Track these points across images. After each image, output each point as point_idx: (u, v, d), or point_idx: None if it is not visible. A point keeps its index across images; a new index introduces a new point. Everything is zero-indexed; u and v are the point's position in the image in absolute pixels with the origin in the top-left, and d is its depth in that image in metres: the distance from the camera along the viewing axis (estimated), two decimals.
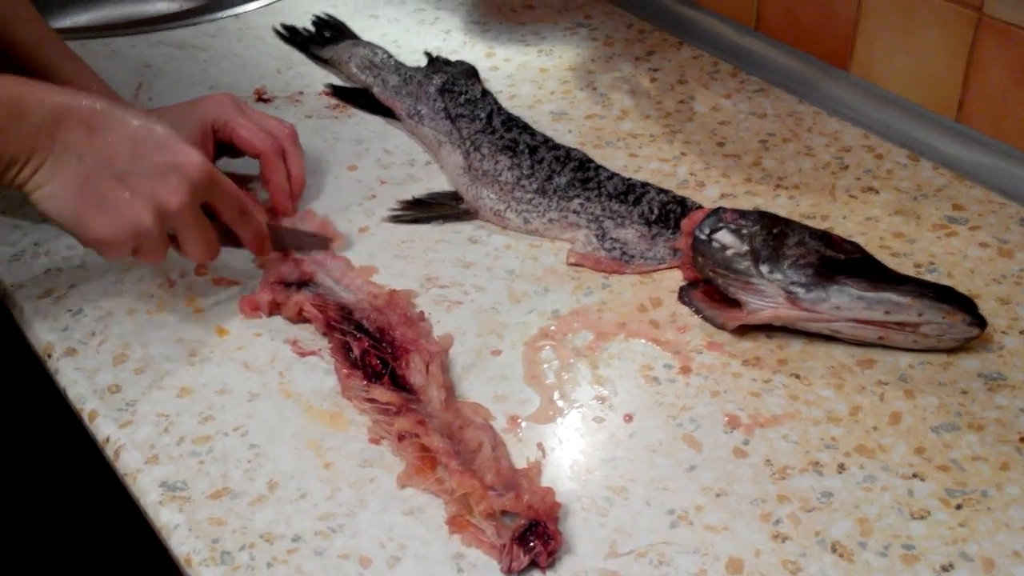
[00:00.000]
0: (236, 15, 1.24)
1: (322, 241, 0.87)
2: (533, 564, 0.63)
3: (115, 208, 0.72)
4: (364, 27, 1.20)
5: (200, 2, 1.32)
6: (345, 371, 0.75)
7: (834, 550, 0.64)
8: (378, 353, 0.75)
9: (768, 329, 0.80)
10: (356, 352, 0.76)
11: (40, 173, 0.71)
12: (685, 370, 0.77)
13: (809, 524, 0.66)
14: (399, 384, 0.74)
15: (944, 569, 0.63)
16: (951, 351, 0.78)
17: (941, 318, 0.76)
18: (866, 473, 0.69)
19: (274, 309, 0.82)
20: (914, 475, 0.69)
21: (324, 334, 0.79)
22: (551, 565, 0.63)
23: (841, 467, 0.70)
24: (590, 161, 0.94)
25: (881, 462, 0.70)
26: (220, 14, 1.24)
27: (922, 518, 0.66)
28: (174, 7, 1.39)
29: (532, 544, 0.63)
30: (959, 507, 0.67)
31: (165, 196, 0.72)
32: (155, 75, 1.11)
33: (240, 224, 0.79)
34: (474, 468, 0.67)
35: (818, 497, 0.68)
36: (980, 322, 0.76)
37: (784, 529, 0.66)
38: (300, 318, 0.81)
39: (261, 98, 1.08)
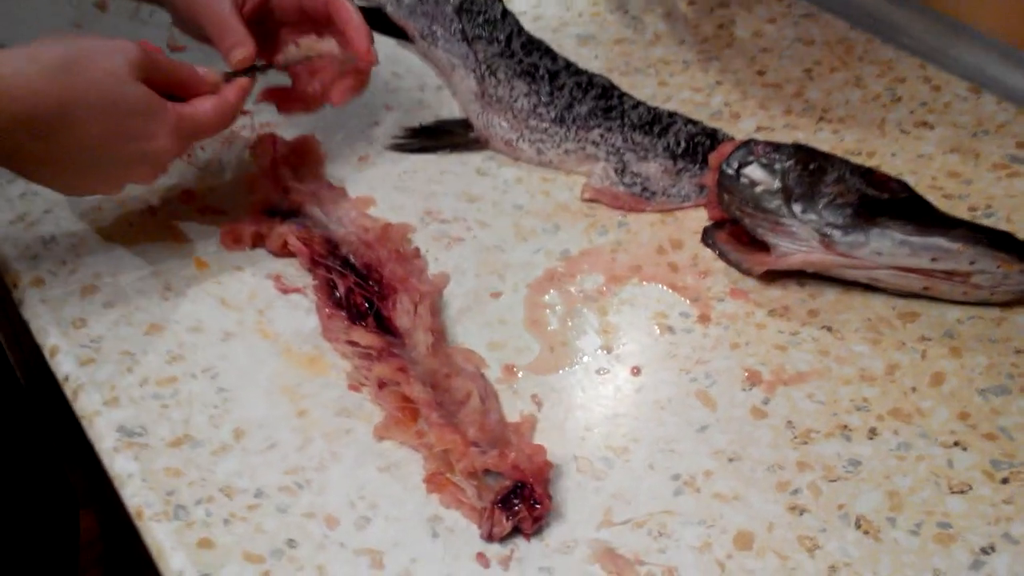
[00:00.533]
0: None
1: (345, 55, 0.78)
2: (516, 531, 0.56)
3: (94, 187, 0.69)
4: None
5: None
6: (328, 311, 0.69)
7: (858, 526, 0.57)
8: (364, 292, 0.69)
9: (799, 276, 0.72)
10: (341, 290, 0.69)
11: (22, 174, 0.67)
12: (703, 319, 0.70)
13: (832, 496, 0.59)
14: (384, 326, 0.67)
15: (984, 552, 0.55)
16: (1005, 305, 0.69)
17: (996, 267, 0.67)
18: (901, 440, 0.61)
19: (257, 241, 0.75)
20: (955, 444, 0.61)
21: (308, 270, 0.72)
22: (536, 533, 0.57)
23: (872, 432, 0.62)
24: (614, 88, 0.85)
25: (919, 428, 0.62)
26: None
27: (962, 492, 0.58)
28: None
29: (516, 508, 0.56)
30: (1005, 481, 0.59)
31: (141, 179, 0.69)
32: None
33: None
34: (457, 421, 0.60)
35: (844, 466, 0.60)
36: None
37: (803, 500, 0.58)
38: (285, 251, 0.74)
39: None
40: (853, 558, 0.55)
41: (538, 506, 0.56)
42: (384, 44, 0.97)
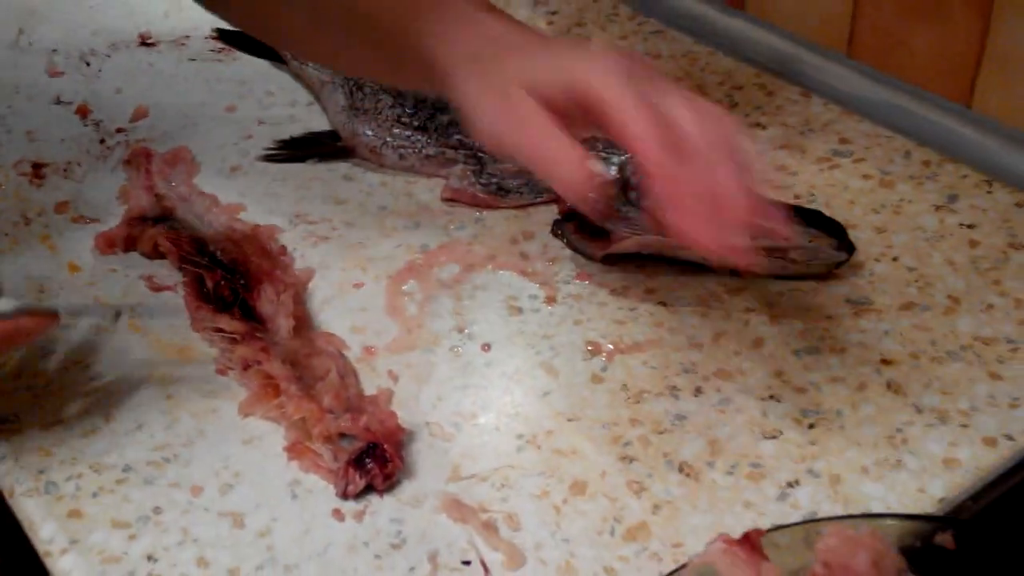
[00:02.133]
0: None
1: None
2: (370, 488, 0.61)
3: None
4: None
5: None
6: (196, 303, 0.73)
7: (681, 470, 0.63)
8: (230, 284, 0.73)
9: (639, 260, 0.78)
10: (209, 285, 0.73)
11: None
12: (550, 300, 0.75)
13: (659, 446, 0.64)
14: (250, 315, 0.71)
15: (789, 485, 0.61)
16: (822, 278, 0.76)
17: (808, 242, 0.74)
18: (722, 396, 0.67)
19: (130, 244, 0.79)
20: (770, 396, 0.67)
21: (178, 268, 0.76)
22: (389, 489, 0.61)
23: (698, 391, 0.68)
24: None
25: (739, 385, 0.68)
26: None
27: (773, 437, 0.64)
28: None
29: (369, 467, 0.60)
30: (811, 426, 0.65)
31: None
32: (39, 20, 1.08)
33: None
34: (315, 393, 0.65)
35: (671, 420, 0.66)
36: (848, 247, 0.75)
37: (632, 451, 0.64)
38: (155, 253, 0.78)
39: (144, 42, 1.05)
40: (675, 496, 0.61)
41: (388, 463, 0.61)
42: (259, 65, 1.03)
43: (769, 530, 0.50)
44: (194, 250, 0.76)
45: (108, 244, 0.79)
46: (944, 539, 0.50)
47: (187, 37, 1.06)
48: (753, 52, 1.02)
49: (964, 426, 0.65)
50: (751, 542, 0.48)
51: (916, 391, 0.67)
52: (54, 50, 1.03)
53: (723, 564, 0.47)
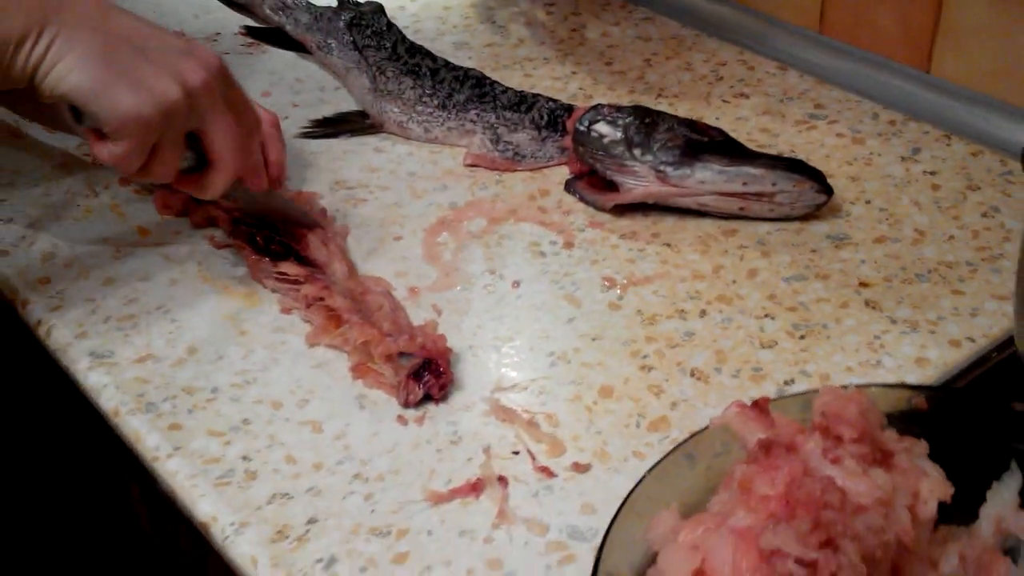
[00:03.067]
0: None
1: (297, 209, 0.86)
2: (427, 397, 0.71)
3: (139, 78, 0.68)
4: None
5: None
6: (254, 257, 0.82)
7: (693, 375, 0.73)
8: (280, 239, 0.82)
9: (644, 208, 0.88)
10: (260, 241, 0.83)
11: (55, 47, 0.67)
12: (568, 245, 0.86)
13: (672, 357, 0.75)
14: (304, 263, 0.81)
15: (786, 383, 0.72)
16: (804, 218, 0.87)
17: (792, 186, 0.85)
18: (724, 316, 0.78)
19: (184, 210, 0.88)
20: (766, 315, 0.78)
21: (229, 233, 0.85)
22: (443, 398, 0.71)
23: (703, 313, 0.78)
24: (487, 78, 1.02)
25: (738, 307, 0.79)
26: None
27: (770, 347, 0.75)
28: None
29: (426, 379, 0.70)
30: (802, 337, 0.76)
31: (189, 72, 0.70)
32: None
33: (248, 138, 0.76)
34: (374, 321, 0.74)
35: (681, 336, 0.76)
36: (827, 189, 0.85)
37: (650, 362, 0.74)
38: (205, 224, 0.87)
39: None
40: (689, 396, 0.71)
41: (443, 375, 0.71)
42: (287, 56, 1.13)
43: (774, 399, 0.60)
44: (243, 215, 0.85)
45: (166, 205, 0.88)
46: (918, 401, 0.61)
47: (218, 34, 1.16)
48: (735, 33, 1.13)
49: (932, 332, 0.76)
50: (760, 406, 0.58)
51: (890, 307, 0.78)
52: None
53: (738, 423, 0.58)
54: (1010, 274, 0.80)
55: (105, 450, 0.95)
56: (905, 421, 0.60)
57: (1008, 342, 0.74)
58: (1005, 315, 0.76)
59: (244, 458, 0.68)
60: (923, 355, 0.74)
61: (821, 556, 0.47)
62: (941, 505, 0.55)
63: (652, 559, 0.54)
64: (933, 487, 0.54)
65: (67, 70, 0.68)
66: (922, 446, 0.57)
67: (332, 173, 0.94)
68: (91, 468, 1.02)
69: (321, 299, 0.77)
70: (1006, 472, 0.58)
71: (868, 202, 0.89)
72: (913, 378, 0.72)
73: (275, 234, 0.83)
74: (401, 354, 0.72)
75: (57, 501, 1.09)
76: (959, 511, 0.56)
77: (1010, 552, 0.56)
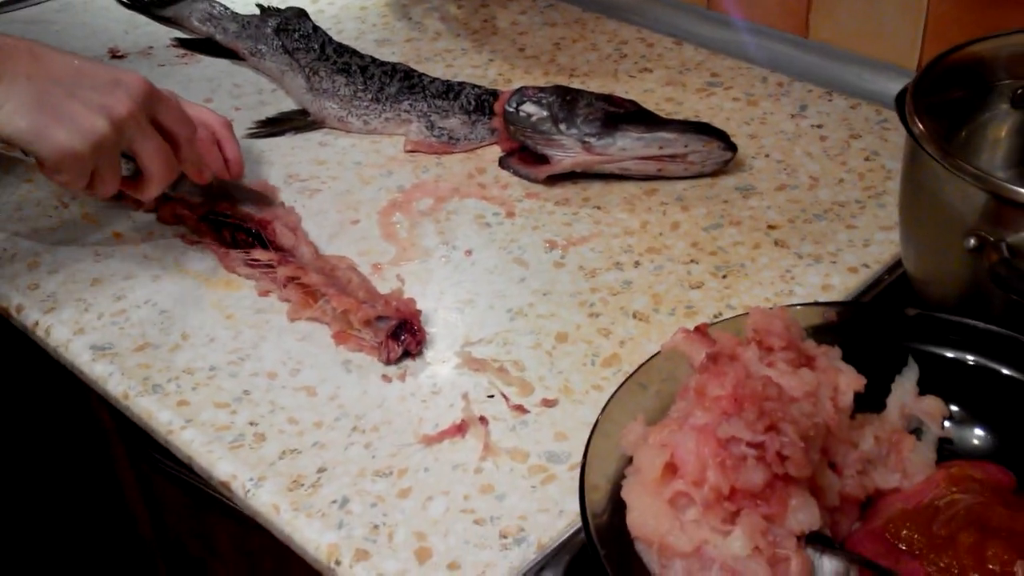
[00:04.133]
0: None
1: (262, 197, 0.95)
2: (406, 353, 0.80)
3: (71, 117, 0.77)
4: None
5: None
6: (223, 251, 0.90)
7: (635, 316, 0.84)
8: (245, 230, 0.90)
9: (573, 177, 0.99)
10: (227, 235, 0.91)
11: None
12: (510, 215, 0.95)
13: (615, 303, 0.85)
14: (272, 248, 0.89)
15: (716, 316, 0.83)
16: (714, 175, 0.98)
17: (702, 146, 0.96)
18: (655, 265, 0.89)
19: (155, 205, 0.95)
20: (691, 261, 0.89)
21: (193, 229, 0.93)
22: (420, 353, 0.81)
23: (636, 263, 0.89)
24: (414, 71, 1.11)
25: (666, 256, 0.90)
26: None
27: (698, 287, 0.86)
28: None
29: (403, 338, 0.80)
30: (724, 276, 0.87)
31: (116, 105, 0.78)
32: None
33: (186, 143, 0.85)
34: (348, 292, 0.83)
35: (620, 285, 0.87)
36: (732, 147, 0.97)
37: (597, 309, 0.85)
38: (173, 220, 0.95)
39: (115, 55, 1.21)
40: (634, 334, 0.82)
41: (418, 332, 0.80)
42: (221, 64, 1.20)
43: (711, 324, 0.71)
44: (206, 213, 0.93)
45: (136, 203, 0.95)
46: (830, 315, 0.73)
47: (151, 47, 1.23)
48: (632, 13, 1.24)
49: (833, 263, 0.88)
50: (701, 330, 0.69)
51: (796, 244, 0.90)
52: None
53: (684, 345, 0.68)
54: (893, 208, 0.92)
55: (99, 457, 1.02)
56: (820, 332, 0.72)
57: (897, 265, 0.86)
58: (892, 243, 0.89)
59: (251, 423, 0.76)
60: (827, 282, 0.86)
61: (767, 438, 0.58)
62: (856, 396, 0.66)
63: (625, 466, 0.65)
64: (849, 381, 0.66)
65: (7, 117, 0.77)
66: (836, 351, 0.69)
67: (284, 168, 1.02)
68: (86, 474, 1.08)
69: (296, 278, 0.85)
70: (905, 367, 0.70)
71: (767, 156, 1.00)
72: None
73: (240, 225, 0.91)
74: (379, 318, 0.81)
75: (53, 510, 1.15)
76: (870, 401, 0.68)
77: (914, 431, 0.69)
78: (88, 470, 1.07)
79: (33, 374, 0.98)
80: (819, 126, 1.04)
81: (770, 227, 0.92)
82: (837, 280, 0.86)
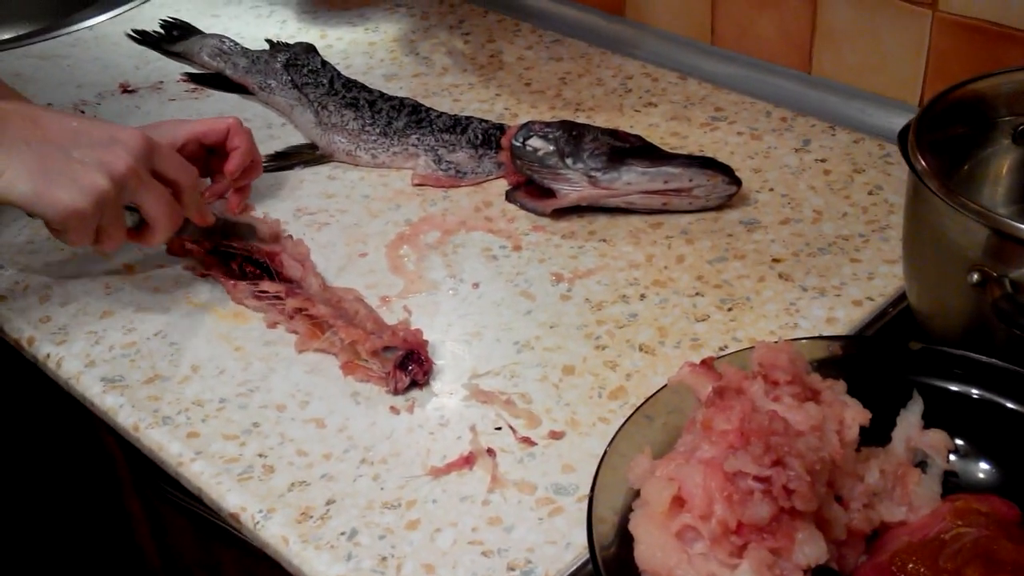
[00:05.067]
0: (89, 27, 1.38)
1: (266, 232, 0.95)
2: (413, 383, 0.81)
3: (71, 178, 0.79)
4: (207, 26, 1.36)
5: (47, 23, 1.44)
6: (231, 283, 0.91)
7: (641, 349, 0.84)
8: (253, 262, 0.91)
9: (579, 210, 1.00)
10: (235, 267, 0.92)
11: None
12: (517, 248, 0.96)
13: (621, 336, 0.86)
14: (280, 279, 0.90)
15: (721, 349, 0.84)
16: (719, 208, 0.99)
17: (706, 180, 0.97)
18: (661, 298, 0.90)
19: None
20: (696, 294, 0.90)
21: (201, 261, 0.94)
22: (427, 383, 0.81)
23: (642, 296, 0.90)
24: (421, 105, 1.12)
25: (672, 289, 0.90)
26: (74, 27, 1.37)
27: (703, 320, 0.87)
28: (21, 32, 1.51)
29: (410, 368, 0.80)
30: (730, 309, 0.88)
31: (114, 161, 0.80)
32: (26, 81, 1.24)
33: (187, 189, 0.87)
34: (356, 323, 0.84)
35: (627, 318, 0.88)
36: (736, 181, 0.98)
37: (603, 342, 0.85)
38: (183, 252, 0.96)
39: (126, 90, 1.22)
40: (640, 367, 0.83)
41: (425, 363, 0.81)
42: (231, 99, 1.21)
43: (717, 357, 0.72)
44: (214, 246, 0.94)
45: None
46: (835, 349, 0.73)
47: (161, 82, 1.24)
48: (637, 48, 1.26)
49: (838, 296, 0.89)
50: (707, 364, 0.70)
51: (800, 277, 0.91)
52: (49, 104, 1.20)
53: (691, 379, 0.69)
54: (896, 242, 0.93)
55: (108, 488, 1.03)
56: (825, 366, 0.72)
57: (901, 298, 0.87)
58: (896, 276, 0.89)
59: (260, 455, 0.77)
60: (832, 315, 0.87)
61: (774, 472, 0.59)
62: (861, 430, 0.67)
63: (632, 499, 0.65)
64: (854, 415, 0.66)
65: (9, 183, 0.79)
66: (842, 384, 0.69)
67: (293, 201, 1.04)
68: (95, 505, 1.09)
69: (304, 310, 0.86)
70: (910, 400, 0.71)
71: (771, 190, 1.01)
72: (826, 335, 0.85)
73: (247, 258, 0.92)
74: (386, 348, 0.82)
75: (62, 540, 1.15)
76: (875, 435, 0.69)
77: (919, 464, 0.69)
78: (97, 500, 1.08)
79: (43, 405, 0.99)
80: (823, 160, 1.05)
81: (775, 260, 0.93)
82: (842, 313, 0.87)
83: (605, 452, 0.69)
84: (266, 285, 0.89)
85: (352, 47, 1.31)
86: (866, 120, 1.10)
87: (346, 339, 0.83)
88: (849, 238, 0.95)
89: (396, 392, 0.81)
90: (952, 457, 0.69)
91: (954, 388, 0.71)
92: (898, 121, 1.06)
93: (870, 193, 1.00)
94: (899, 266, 0.89)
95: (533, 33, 1.32)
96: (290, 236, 0.97)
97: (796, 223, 0.97)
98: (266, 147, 1.11)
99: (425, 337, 0.83)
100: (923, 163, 0.74)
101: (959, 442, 0.69)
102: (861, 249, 0.93)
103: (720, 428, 0.61)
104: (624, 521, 0.65)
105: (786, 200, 1.00)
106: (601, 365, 0.83)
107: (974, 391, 0.70)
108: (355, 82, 1.16)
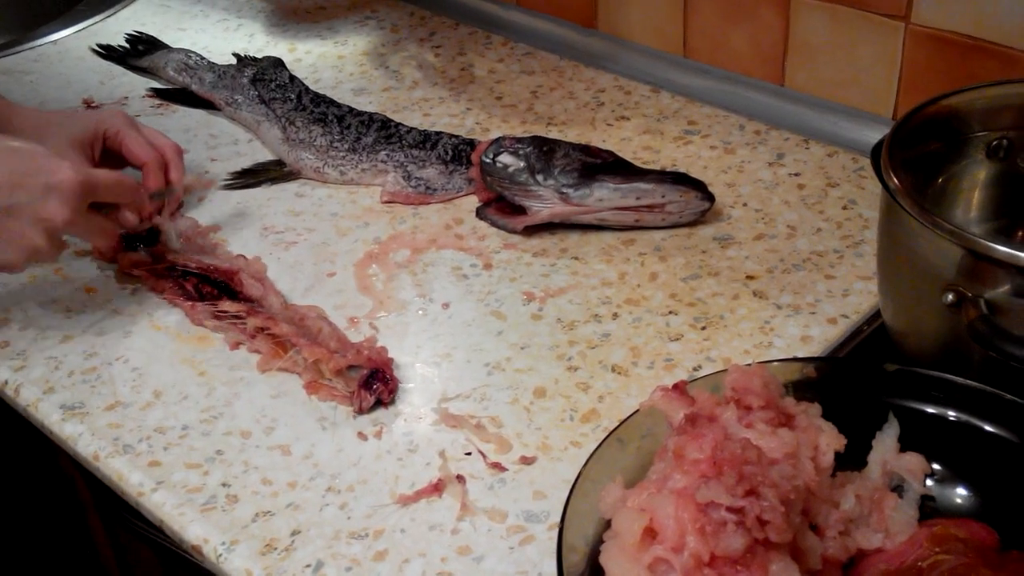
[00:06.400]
0: (53, 42, 1.35)
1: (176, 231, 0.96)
2: (379, 403, 0.79)
3: (7, 238, 0.80)
4: (174, 39, 1.33)
5: (10, 38, 1.42)
6: (189, 304, 0.89)
7: (614, 370, 0.83)
8: (209, 282, 0.89)
9: (551, 227, 0.98)
10: (190, 288, 0.90)
11: None
12: (487, 266, 0.95)
13: (594, 356, 0.84)
14: (240, 299, 0.88)
15: (695, 369, 0.82)
16: (692, 224, 0.98)
17: (679, 196, 0.96)
18: (634, 316, 0.88)
19: (114, 256, 0.94)
20: (670, 312, 0.88)
21: (151, 288, 0.92)
22: (392, 402, 0.80)
23: (615, 315, 0.88)
24: (391, 121, 1.10)
25: (645, 307, 0.89)
26: (37, 42, 1.35)
27: (677, 339, 0.86)
28: None
29: (375, 387, 0.79)
30: (703, 328, 0.86)
31: (50, 216, 0.80)
32: None
33: (128, 205, 0.89)
34: (319, 341, 0.82)
35: (599, 337, 0.86)
36: (709, 197, 0.97)
37: (575, 363, 0.84)
38: (131, 271, 0.93)
39: (90, 106, 1.20)
40: (613, 389, 0.81)
41: (390, 381, 0.79)
42: (197, 114, 1.19)
43: (689, 381, 0.70)
44: (165, 269, 0.92)
45: (98, 252, 0.95)
46: (809, 371, 0.72)
47: (126, 98, 1.22)
48: (609, 61, 1.25)
49: (812, 313, 0.87)
50: (679, 388, 0.68)
51: (775, 294, 0.89)
52: None
53: (663, 404, 0.68)
54: (871, 257, 0.92)
55: (73, 517, 1.00)
56: (800, 389, 0.71)
57: (876, 315, 0.86)
58: (871, 293, 0.88)
59: (224, 484, 0.75)
60: (807, 333, 0.85)
61: (747, 503, 0.57)
62: (836, 454, 0.66)
63: (604, 528, 0.64)
64: (829, 440, 0.65)
65: None
66: (816, 408, 0.68)
67: (260, 219, 1.02)
68: (59, 534, 1.06)
69: (266, 329, 0.84)
70: (886, 423, 0.70)
71: (745, 204, 1.00)
72: (801, 354, 0.84)
73: (204, 278, 0.90)
74: (350, 367, 0.80)
75: (25, 569, 1.12)
76: (851, 459, 0.67)
77: (896, 489, 0.68)
78: (61, 530, 1.05)
79: (3, 432, 0.96)
80: (796, 174, 1.04)
81: (749, 277, 0.91)
82: (817, 331, 0.86)
83: (576, 480, 0.67)
84: (226, 305, 0.87)
85: (321, 61, 1.29)
86: (840, 133, 1.09)
87: (309, 358, 0.81)
88: (823, 254, 0.94)
89: (361, 411, 0.79)
90: (929, 481, 0.68)
91: (931, 410, 0.70)
92: (871, 134, 1.05)
93: (844, 208, 0.99)
94: (874, 283, 0.88)
95: (504, 46, 1.30)
96: (243, 256, 0.95)
97: (770, 239, 0.96)
98: (232, 164, 1.10)
99: (392, 356, 0.82)
100: (896, 181, 0.73)
101: (936, 466, 0.68)
102: (836, 265, 0.92)
103: (692, 457, 0.60)
104: (595, 551, 0.63)
105: (760, 215, 0.99)
106: (573, 387, 0.82)
107: (951, 413, 0.69)
108: (324, 97, 1.15)
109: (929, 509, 0.67)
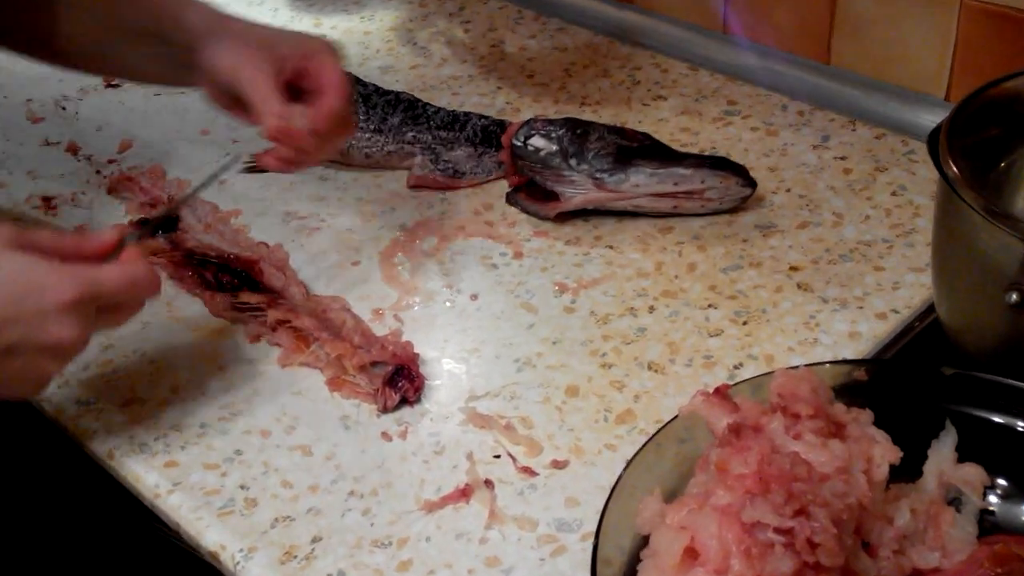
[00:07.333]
0: None
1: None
2: (403, 401, 0.76)
3: (15, 377, 0.68)
4: None
5: None
6: (208, 295, 0.86)
7: (650, 368, 0.79)
8: (229, 271, 0.86)
9: (584, 214, 0.94)
10: (209, 277, 0.86)
11: None
12: (518, 255, 0.91)
13: (629, 353, 0.80)
14: (260, 290, 0.85)
15: (735, 367, 0.78)
16: (732, 211, 0.93)
17: (719, 182, 0.91)
18: (671, 310, 0.84)
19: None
20: (709, 305, 0.84)
21: (171, 276, 0.89)
22: (418, 400, 0.76)
23: (651, 308, 0.84)
24: (418, 100, 1.06)
25: (683, 300, 0.85)
26: None
27: (717, 335, 0.81)
28: None
29: (400, 384, 0.75)
30: (745, 323, 0.82)
31: (54, 342, 0.67)
32: (7, 76, 1.18)
33: (136, 306, 0.74)
34: (342, 335, 0.79)
35: (635, 332, 0.82)
36: (751, 182, 0.92)
37: (609, 359, 0.80)
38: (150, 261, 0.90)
39: (109, 84, 1.17)
40: (649, 388, 0.77)
41: (416, 379, 0.76)
42: None
43: (732, 384, 0.66)
44: (183, 258, 0.88)
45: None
46: (859, 374, 0.68)
47: None
48: (645, 37, 1.20)
49: (860, 308, 0.83)
50: (721, 392, 0.64)
51: (820, 287, 0.85)
52: (29, 99, 1.14)
53: (704, 409, 0.64)
54: (923, 247, 0.87)
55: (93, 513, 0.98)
56: (849, 393, 0.67)
57: (929, 310, 0.81)
58: (923, 286, 0.84)
59: (242, 487, 0.72)
60: (855, 329, 0.81)
61: (796, 523, 0.53)
62: (890, 465, 0.62)
63: (641, 542, 0.60)
64: (884, 452, 0.61)
65: None
66: (868, 415, 0.64)
67: (283, 204, 0.98)
68: (77, 531, 1.04)
69: (287, 321, 0.81)
70: (942, 431, 0.66)
71: (788, 190, 0.96)
72: (848, 352, 0.79)
73: (224, 267, 0.87)
74: (374, 363, 0.77)
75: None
76: (904, 468, 0.63)
77: (953, 502, 0.64)
78: (79, 526, 1.03)
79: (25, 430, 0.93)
80: (843, 158, 0.99)
81: (792, 268, 0.87)
82: (865, 327, 0.81)
83: (612, 489, 0.63)
84: (246, 296, 0.84)
85: (347, 37, 1.25)
86: (889, 114, 1.03)
87: (332, 353, 0.77)
88: (872, 244, 0.89)
89: (385, 410, 0.75)
90: (989, 496, 0.64)
91: (992, 418, 0.65)
92: (923, 115, 1.00)
93: (893, 194, 0.94)
94: (926, 274, 0.83)
95: (536, 21, 1.26)
96: (266, 244, 0.91)
97: (815, 227, 0.91)
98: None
99: (418, 351, 0.78)
100: (955, 170, 0.68)
101: (998, 480, 0.64)
102: (885, 256, 0.88)
103: (737, 472, 0.56)
104: (632, 563, 0.60)
105: (804, 202, 0.94)
106: (607, 385, 0.78)
107: (1017, 423, 0.65)
108: (349, 75, 1.10)
109: (989, 525, 0.63)
